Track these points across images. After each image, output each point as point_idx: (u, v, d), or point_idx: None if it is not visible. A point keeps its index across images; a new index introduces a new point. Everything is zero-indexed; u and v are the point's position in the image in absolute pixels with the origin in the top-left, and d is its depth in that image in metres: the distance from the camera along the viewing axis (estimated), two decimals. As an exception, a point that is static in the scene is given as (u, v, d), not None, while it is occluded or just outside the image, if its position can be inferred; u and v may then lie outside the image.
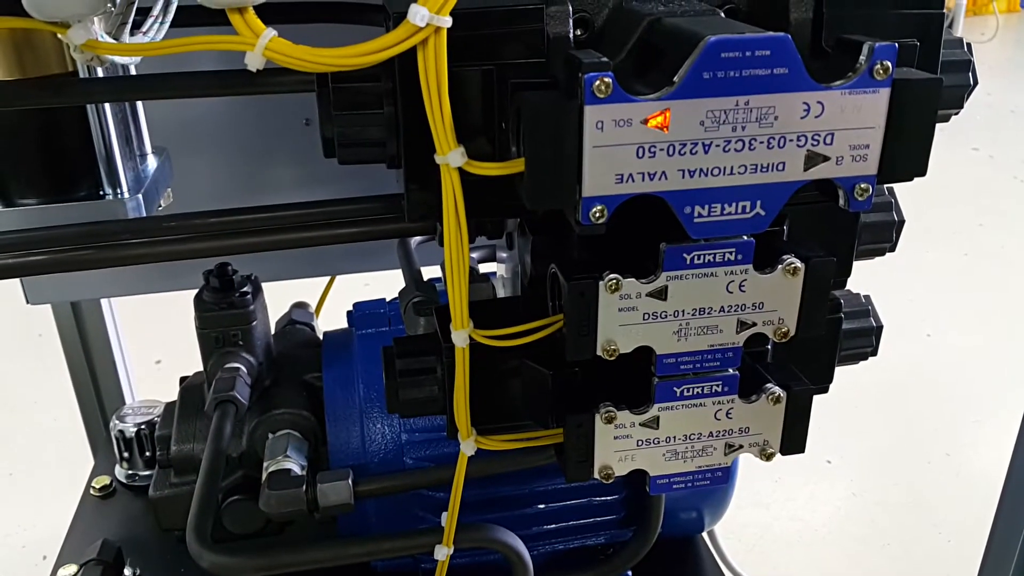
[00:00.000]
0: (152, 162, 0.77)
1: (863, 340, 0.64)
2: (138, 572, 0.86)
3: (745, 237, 0.47)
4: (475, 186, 0.48)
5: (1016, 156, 3.56)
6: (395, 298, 0.85)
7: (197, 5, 0.45)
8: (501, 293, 0.74)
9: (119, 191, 0.70)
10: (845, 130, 0.44)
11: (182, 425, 0.82)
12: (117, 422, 0.99)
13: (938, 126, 0.46)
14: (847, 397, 1.97)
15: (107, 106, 0.68)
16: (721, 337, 0.50)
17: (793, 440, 0.54)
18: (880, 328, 0.64)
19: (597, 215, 0.43)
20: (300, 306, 1.01)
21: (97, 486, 1.01)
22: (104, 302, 1.22)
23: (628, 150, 0.42)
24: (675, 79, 0.41)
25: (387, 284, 0.97)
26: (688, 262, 0.47)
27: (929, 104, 0.44)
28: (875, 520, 1.71)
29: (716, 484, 0.55)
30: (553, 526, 0.84)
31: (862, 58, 0.43)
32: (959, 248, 2.78)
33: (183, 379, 0.89)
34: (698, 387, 0.51)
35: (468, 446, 0.58)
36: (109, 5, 0.51)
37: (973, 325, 2.34)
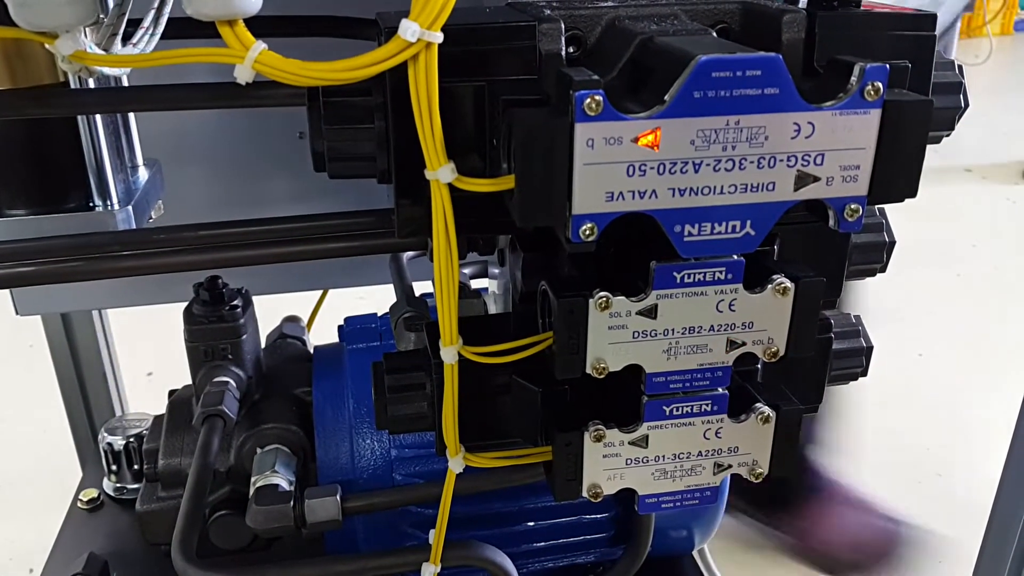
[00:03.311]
0: (143, 174, 0.77)
1: (853, 360, 0.63)
2: (123, 586, 0.85)
3: (735, 256, 0.47)
4: (465, 202, 0.47)
5: (1009, 177, 3.57)
6: (386, 313, 0.85)
7: (188, 17, 0.45)
8: (493, 309, 0.74)
9: (109, 203, 0.70)
10: (835, 151, 0.44)
11: (170, 439, 0.82)
12: (106, 435, 0.98)
13: (931, 146, 0.46)
14: (839, 416, 1.96)
15: (98, 117, 0.67)
16: (711, 356, 0.50)
17: (782, 460, 0.54)
18: (871, 348, 0.64)
19: (587, 233, 0.43)
20: (291, 320, 1.01)
21: (85, 499, 1.00)
22: (95, 313, 1.21)
23: (618, 168, 0.42)
24: (666, 98, 0.41)
25: (381, 298, 0.97)
26: (678, 281, 0.47)
27: (920, 126, 0.44)
28: (866, 540, 1.70)
29: (705, 504, 0.55)
30: (542, 544, 0.84)
31: (853, 79, 0.43)
32: (951, 269, 2.78)
33: (172, 392, 0.89)
34: (687, 406, 0.51)
35: (456, 463, 0.57)
36: (100, 15, 0.51)
37: (965, 346, 2.34)
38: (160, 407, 0.91)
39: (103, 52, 0.50)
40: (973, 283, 2.71)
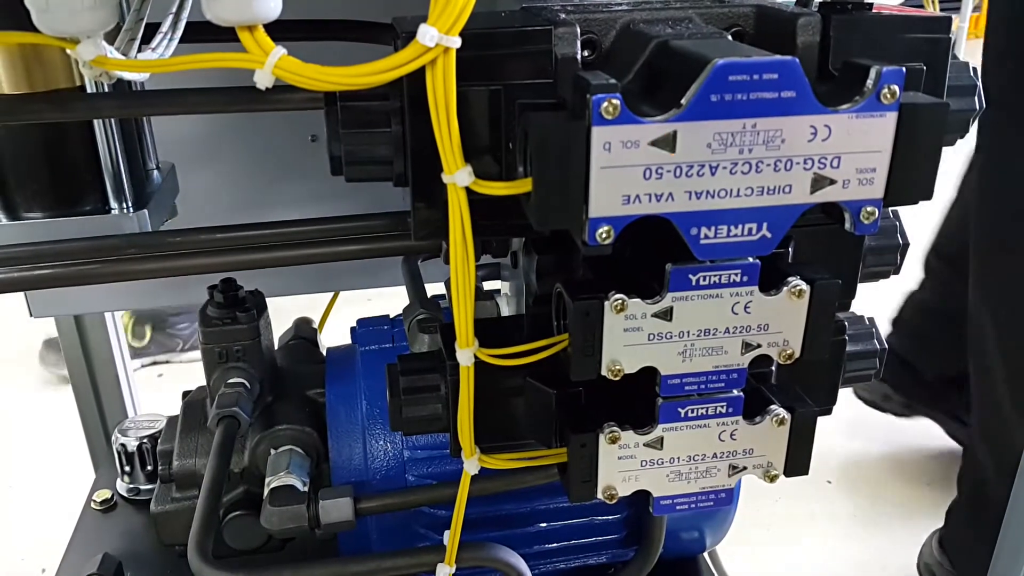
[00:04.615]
0: (158, 177, 0.78)
1: (867, 362, 0.63)
2: (138, 587, 0.86)
3: (751, 259, 0.47)
4: (481, 205, 0.48)
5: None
6: (399, 315, 0.85)
7: (207, 20, 0.46)
8: (504, 310, 0.74)
9: (125, 206, 0.70)
10: (852, 153, 0.44)
11: (184, 440, 0.82)
12: (119, 435, 0.99)
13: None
14: (849, 416, 1.96)
15: (114, 121, 0.68)
16: (726, 358, 0.50)
17: (797, 462, 0.54)
18: (884, 350, 0.64)
19: (603, 236, 0.43)
20: (304, 322, 1.01)
21: (98, 500, 1.01)
22: (107, 314, 1.22)
23: (635, 171, 0.42)
24: (683, 101, 0.41)
25: (390, 300, 0.97)
26: (694, 283, 0.47)
27: (936, 129, 0.44)
28: (876, 541, 1.70)
29: (720, 505, 0.55)
30: (555, 545, 0.84)
31: (869, 82, 0.43)
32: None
33: (186, 393, 0.89)
34: (703, 408, 0.51)
35: (471, 465, 0.58)
36: (118, 20, 0.51)
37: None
38: (170, 407, 0.92)
39: (123, 57, 0.51)
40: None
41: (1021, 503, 0.91)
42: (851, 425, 1.94)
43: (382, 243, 0.62)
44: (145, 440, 0.98)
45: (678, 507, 0.55)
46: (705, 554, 0.94)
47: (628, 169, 0.42)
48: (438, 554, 0.67)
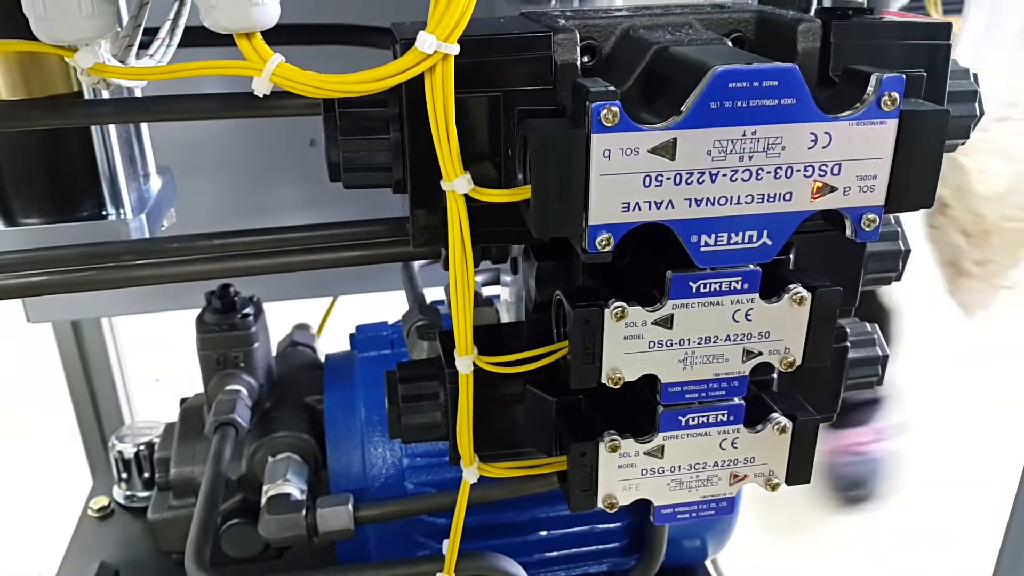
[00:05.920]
0: (156, 182, 0.77)
1: (869, 369, 0.63)
2: (135, 595, 0.85)
3: (752, 266, 0.47)
4: (481, 212, 0.47)
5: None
6: (398, 321, 0.85)
7: (203, 26, 0.45)
8: (504, 316, 0.74)
9: (122, 211, 0.70)
10: (852, 161, 0.44)
11: (182, 447, 0.82)
12: (116, 442, 0.99)
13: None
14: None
15: (111, 126, 0.68)
16: (727, 366, 0.49)
17: (799, 470, 0.53)
18: (886, 357, 0.63)
19: (603, 243, 0.43)
20: (302, 327, 1.01)
21: (95, 507, 1.00)
22: (104, 320, 1.22)
23: (635, 179, 0.42)
24: (682, 108, 0.41)
25: (389, 304, 0.97)
26: (694, 291, 0.47)
27: (937, 135, 0.44)
28: (879, 546, 1.70)
29: (721, 514, 0.55)
30: (555, 554, 0.84)
31: (870, 89, 0.43)
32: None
33: (183, 400, 0.89)
34: (703, 416, 0.51)
35: (471, 473, 0.57)
36: (116, 27, 0.51)
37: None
38: (168, 413, 0.91)
39: (121, 64, 0.50)
40: (982, 288, 2.70)
41: (1022, 504, 0.91)
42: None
43: (381, 249, 0.62)
44: (142, 447, 0.97)
45: (679, 516, 0.54)
46: (707, 562, 0.94)
47: (628, 176, 0.42)
48: (437, 563, 0.67)
